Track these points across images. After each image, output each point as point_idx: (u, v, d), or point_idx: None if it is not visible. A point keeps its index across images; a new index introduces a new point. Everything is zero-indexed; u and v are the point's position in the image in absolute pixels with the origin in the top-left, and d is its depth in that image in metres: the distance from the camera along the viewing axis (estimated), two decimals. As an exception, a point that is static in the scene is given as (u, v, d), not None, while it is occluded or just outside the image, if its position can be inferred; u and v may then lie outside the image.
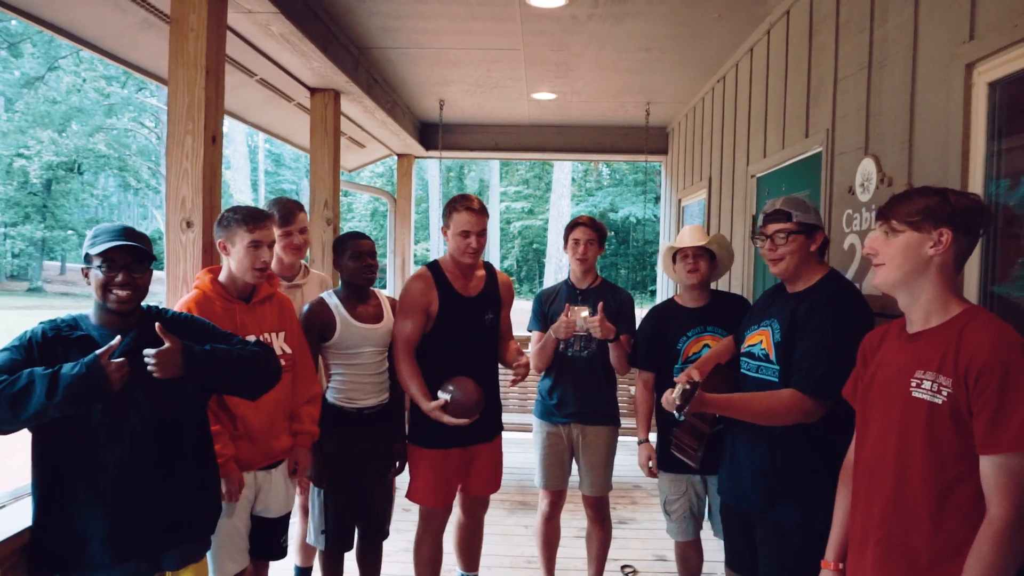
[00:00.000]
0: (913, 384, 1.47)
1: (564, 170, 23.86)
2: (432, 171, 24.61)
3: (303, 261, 3.12)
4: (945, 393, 1.41)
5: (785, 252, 2.08)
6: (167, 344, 1.76)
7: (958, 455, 1.40)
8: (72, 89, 25.98)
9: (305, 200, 3.80)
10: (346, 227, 29.54)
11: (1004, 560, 1.33)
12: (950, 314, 1.48)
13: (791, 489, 2.04)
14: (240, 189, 23.95)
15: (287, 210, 2.84)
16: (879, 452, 1.55)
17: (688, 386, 1.93)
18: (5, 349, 1.75)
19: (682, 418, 1.99)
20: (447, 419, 2.58)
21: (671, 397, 1.95)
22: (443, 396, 2.59)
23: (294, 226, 2.87)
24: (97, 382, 1.65)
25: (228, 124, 24.63)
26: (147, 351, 1.74)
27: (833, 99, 2.73)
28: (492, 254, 26.04)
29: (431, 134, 6.30)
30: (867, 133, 2.44)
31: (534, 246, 28.07)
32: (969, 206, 1.47)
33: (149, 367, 1.74)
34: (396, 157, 6.84)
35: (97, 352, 1.68)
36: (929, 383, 1.44)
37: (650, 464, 2.91)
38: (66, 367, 1.65)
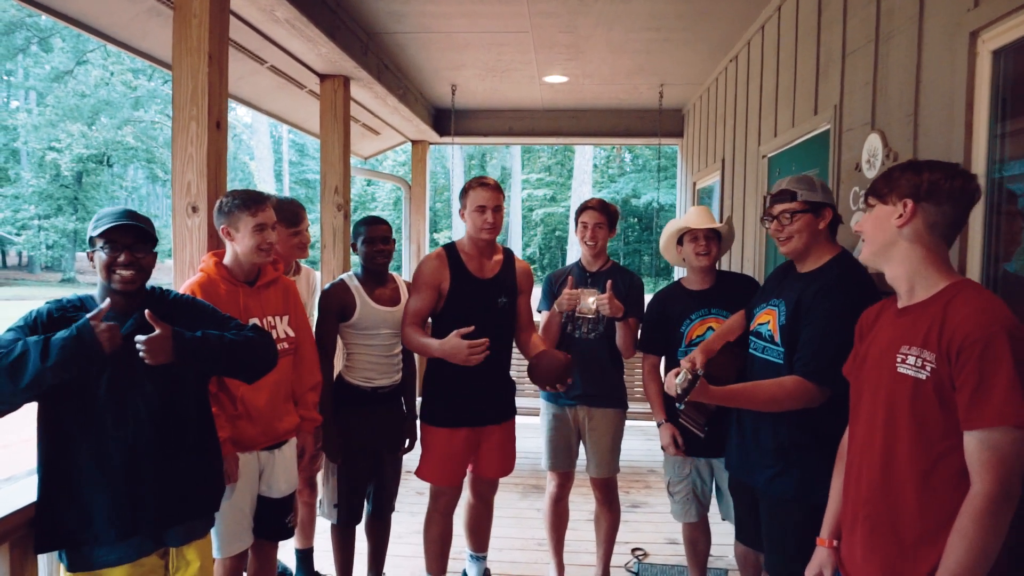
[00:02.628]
0: (899, 359, 1.46)
1: (586, 156, 23.75)
2: (454, 159, 24.65)
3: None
4: (929, 368, 1.39)
5: (792, 232, 2.06)
6: (157, 331, 1.77)
7: (943, 431, 1.39)
8: (100, 82, 26.46)
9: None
10: (370, 215, 29.63)
11: (987, 537, 1.31)
12: (936, 287, 1.46)
13: (793, 464, 2.05)
14: (264, 179, 24.22)
15: (293, 211, 2.87)
16: (869, 429, 1.55)
17: (691, 376, 1.94)
18: (10, 329, 1.79)
19: (682, 406, 2.00)
20: (465, 345, 2.56)
21: (675, 382, 1.96)
22: None
23: (301, 226, 2.92)
24: (88, 345, 1.68)
25: (251, 115, 24.91)
26: (138, 337, 1.76)
27: (841, 74, 2.67)
28: (514, 241, 26.05)
29: (445, 120, 6.29)
30: (874, 108, 2.39)
31: (556, 233, 28.03)
32: (935, 178, 1.44)
33: (140, 353, 1.76)
34: (411, 144, 6.85)
35: (87, 315, 1.72)
36: (914, 358, 1.42)
37: (677, 441, 2.80)
38: (58, 333, 1.69)
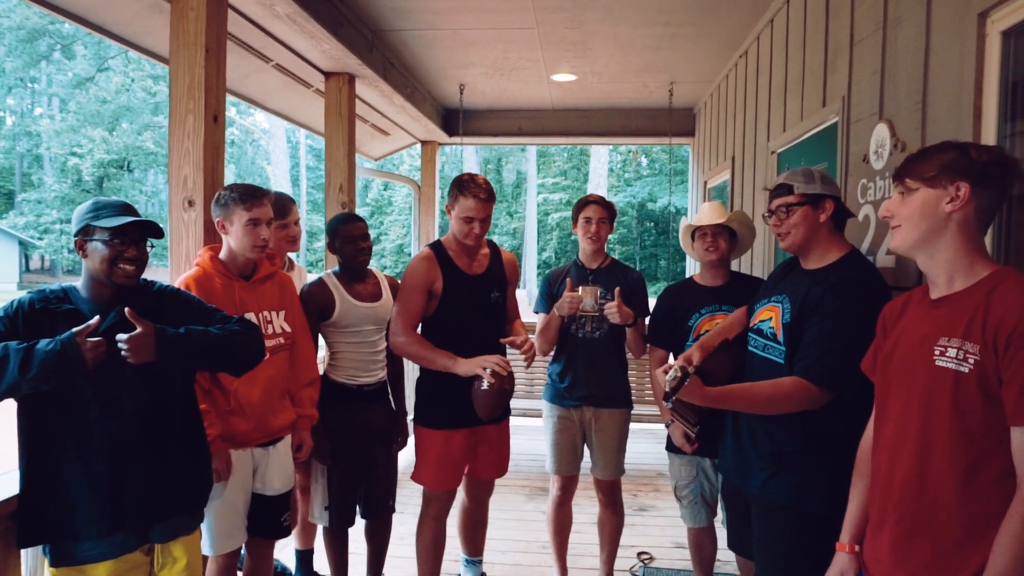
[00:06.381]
0: (937, 352, 1.36)
1: (601, 160, 23.67)
2: (470, 163, 24.68)
3: (289, 255, 3.13)
4: (972, 360, 1.30)
5: (790, 226, 2.00)
6: (139, 329, 1.74)
7: (986, 427, 1.29)
8: (121, 89, 26.88)
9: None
10: (386, 220, 29.84)
11: None
12: (977, 276, 1.37)
13: (788, 468, 1.96)
14: (280, 184, 24.35)
15: (281, 204, 2.83)
16: (901, 427, 1.45)
17: (681, 373, 1.85)
18: None
19: (670, 404, 1.90)
20: (489, 372, 2.50)
21: (665, 379, 1.88)
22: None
23: (289, 219, 2.89)
24: (71, 360, 1.65)
25: (268, 119, 25.12)
26: (119, 336, 1.73)
27: (849, 64, 2.60)
28: (530, 245, 26.01)
29: (454, 120, 6.26)
30: (882, 97, 2.32)
31: (572, 237, 27.92)
32: (988, 159, 1.36)
33: (123, 352, 1.73)
34: (421, 144, 6.82)
35: (74, 330, 1.68)
36: (954, 350, 1.33)
37: (690, 437, 2.70)
38: (42, 343, 1.65)
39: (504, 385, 2.52)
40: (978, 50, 1.75)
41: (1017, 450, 1.26)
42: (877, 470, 1.54)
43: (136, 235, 1.83)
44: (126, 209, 1.86)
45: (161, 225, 1.92)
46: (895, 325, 1.55)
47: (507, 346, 2.84)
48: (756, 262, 3.81)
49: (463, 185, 2.63)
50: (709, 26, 3.99)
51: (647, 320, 3.02)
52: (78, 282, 1.90)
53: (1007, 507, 1.26)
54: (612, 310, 2.77)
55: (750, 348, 2.16)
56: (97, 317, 1.74)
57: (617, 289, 2.83)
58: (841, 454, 1.78)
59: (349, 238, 2.78)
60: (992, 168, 1.36)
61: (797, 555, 1.92)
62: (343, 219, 2.85)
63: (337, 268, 2.87)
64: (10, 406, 1.78)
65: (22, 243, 27.18)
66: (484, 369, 2.51)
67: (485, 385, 2.51)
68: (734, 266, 2.92)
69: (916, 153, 1.47)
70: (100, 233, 1.81)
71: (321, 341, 2.88)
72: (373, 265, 2.98)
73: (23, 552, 1.86)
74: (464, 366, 2.57)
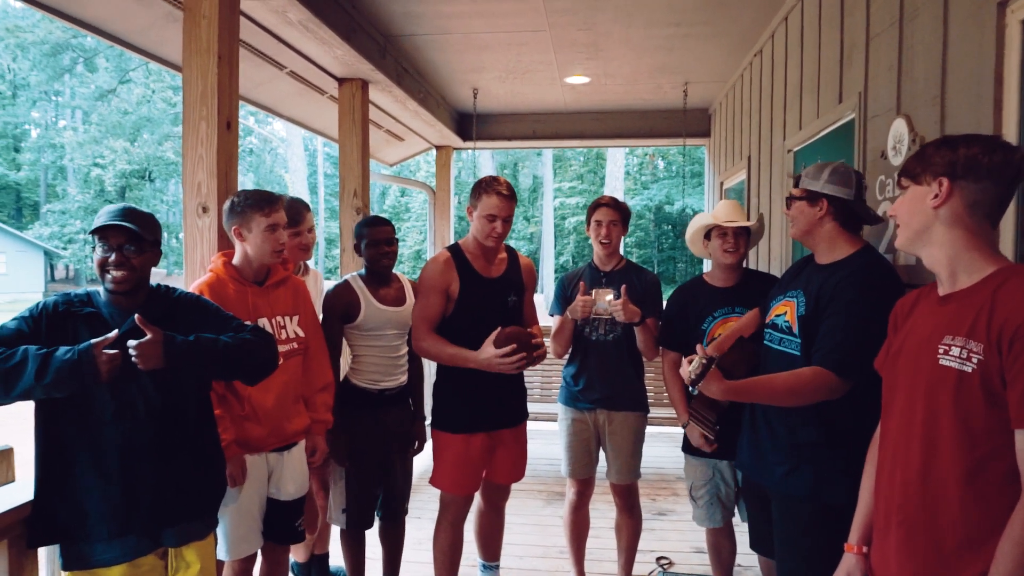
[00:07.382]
0: (941, 351, 1.33)
1: (618, 163, 23.62)
2: (486, 168, 24.72)
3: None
4: (975, 360, 1.26)
5: (791, 217, 2.10)
6: (148, 336, 1.74)
7: (990, 429, 1.26)
8: (142, 100, 27.29)
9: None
10: (404, 226, 29.98)
11: None
12: (983, 273, 1.34)
13: (806, 461, 1.95)
14: (298, 191, 24.59)
15: (295, 211, 2.82)
16: (905, 426, 1.42)
17: (705, 360, 1.87)
18: (14, 319, 1.79)
19: (695, 391, 1.92)
20: (503, 357, 2.51)
21: (688, 369, 1.89)
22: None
23: (303, 226, 2.88)
24: (86, 371, 1.66)
25: (286, 128, 25.36)
26: (130, 342, 1.73)
27: (865, 59, 2.56)
28: (547, 250, 25.98)
29: (468, 125, 6.26)
30: (899, 92, 2.28)
31: (589, 241, 27.89)
32: (972, 152, 1.32)
33: (132, 359, 1.73)
34: (435, 149, 6.83)
35: (92, 341, 1.69)
36: (958, 349, 1.29)
37: (708, 437, 2.62)
38: (60, 351, 1.67)
39: (530, 355, 2.55)
40: (997, 41, 1.71)
41: (1021, 453, 1.22)
42: (882, 469, 1.51)
43: (121, 240, 1.81)
44: (118, 214, 1.83)
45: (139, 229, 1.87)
46: (905, 322, 1.52)
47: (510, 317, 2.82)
48: (774, 260, 3.77)
49: (485, 184, 2.66)
50: (722, 25, 3.96)
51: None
52: (101, 287, 1.91)
53: (1010, 512, 1.22)
54: (616, 307, 2.74)
55: (766, 343, 2.16)
56: (116, 331, 1.75)
57: (623, 287, 2.79)
58: (855, 446, 1.76)
59: (375, 241, 2.79)
60: (977, 160, 1.32)
61: (816, 548, 1.90)
62: (369, 222, 2.85)
63: (362, 271, 2.88)
64: (30, 410, 1.80)
65: (47, 253, 27.67)
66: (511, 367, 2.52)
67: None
68: (748, 260, 2.87)
69: (916, 151, 1.45)
70: (94, 239, 1.83)
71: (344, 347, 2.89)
72: None
73: (41, 557, 1.87)
74: (480, 361, 2.55)
